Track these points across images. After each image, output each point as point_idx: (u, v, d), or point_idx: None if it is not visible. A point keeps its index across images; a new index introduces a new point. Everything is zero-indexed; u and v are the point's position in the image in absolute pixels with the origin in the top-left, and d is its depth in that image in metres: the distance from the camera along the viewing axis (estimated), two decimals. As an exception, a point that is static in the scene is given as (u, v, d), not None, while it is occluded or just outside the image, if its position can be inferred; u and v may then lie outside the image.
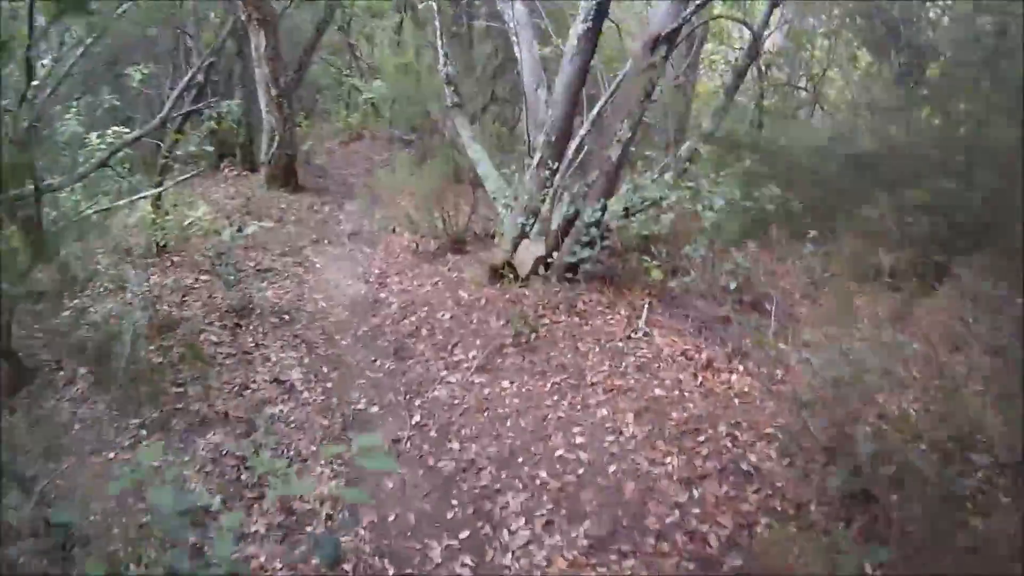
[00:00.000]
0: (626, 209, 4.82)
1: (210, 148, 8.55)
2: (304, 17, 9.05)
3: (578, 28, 4.76)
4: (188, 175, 5.58)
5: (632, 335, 4.11)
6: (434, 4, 6.28)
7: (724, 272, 4.27)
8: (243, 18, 7.27)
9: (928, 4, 6.47)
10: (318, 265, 5.97)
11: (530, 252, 4.78)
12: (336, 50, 10.17)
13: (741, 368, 3.85)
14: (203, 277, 5.31)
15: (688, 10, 4.40)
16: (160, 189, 5.34)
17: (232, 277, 4.94)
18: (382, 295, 5.16)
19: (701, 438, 3.21)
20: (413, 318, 4.68)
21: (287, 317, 4.84)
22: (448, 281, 5.16)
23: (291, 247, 6.33)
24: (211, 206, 6.96)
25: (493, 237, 6.07)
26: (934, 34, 6.41)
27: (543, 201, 4.86)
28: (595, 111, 5.37)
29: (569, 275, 4.53)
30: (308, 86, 10.15)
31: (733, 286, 4.16)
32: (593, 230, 4.45)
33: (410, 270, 5.56)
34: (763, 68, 6.78)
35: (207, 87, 8.23)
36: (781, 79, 8.35)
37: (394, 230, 6.30)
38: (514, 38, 5.95)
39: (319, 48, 9.54)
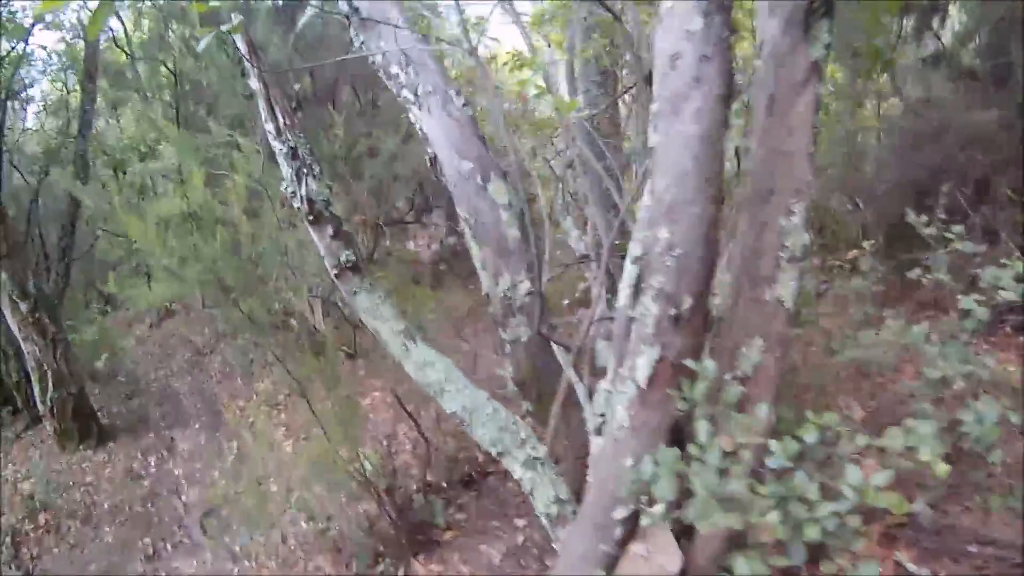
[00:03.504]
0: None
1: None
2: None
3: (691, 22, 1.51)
4: None
5: None
6: (249, 65, 2.09)
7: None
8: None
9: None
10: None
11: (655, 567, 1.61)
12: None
13: None
14: None
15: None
16: None
17: None
18: None
19: None
20: None
21: None
22: None
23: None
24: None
25: (486, 476, 3.29)
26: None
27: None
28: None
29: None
30: (100, 265, 7.29)
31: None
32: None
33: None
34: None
35: None
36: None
37: (284, 539, 3.18)
38: (406, 95, 2.51)
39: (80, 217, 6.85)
